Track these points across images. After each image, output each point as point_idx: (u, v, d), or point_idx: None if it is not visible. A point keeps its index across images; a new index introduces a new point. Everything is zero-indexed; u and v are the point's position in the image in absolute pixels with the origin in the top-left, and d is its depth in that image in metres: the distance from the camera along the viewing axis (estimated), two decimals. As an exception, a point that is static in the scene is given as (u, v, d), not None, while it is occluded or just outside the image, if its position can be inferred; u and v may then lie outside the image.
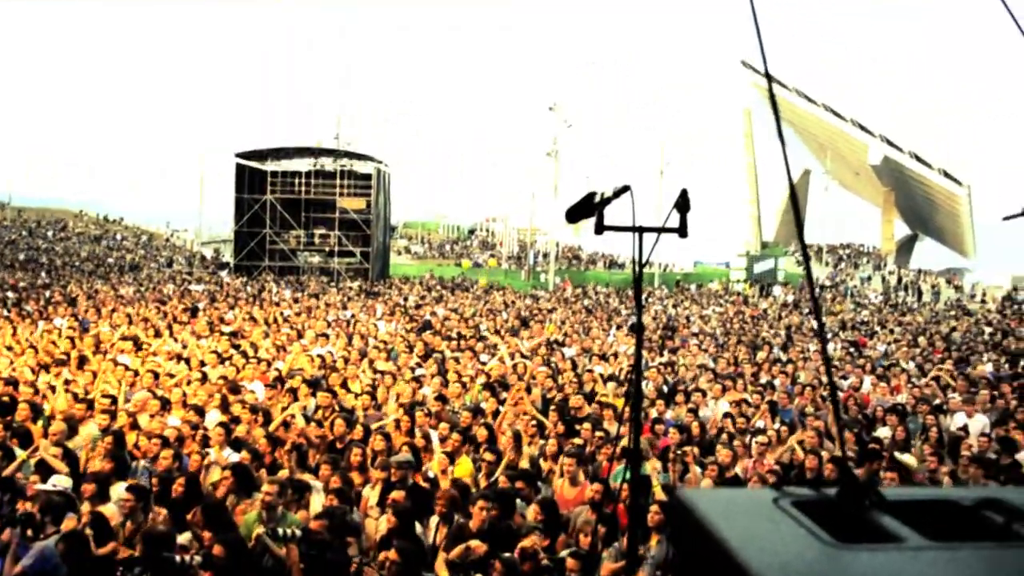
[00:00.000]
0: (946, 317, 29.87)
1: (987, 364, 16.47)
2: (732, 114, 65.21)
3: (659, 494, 6.63)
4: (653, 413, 9.87)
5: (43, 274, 32.87)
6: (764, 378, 13.39)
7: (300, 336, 15.55)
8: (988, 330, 24.82)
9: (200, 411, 8.83)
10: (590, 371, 12.82)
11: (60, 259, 39.90)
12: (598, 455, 8.00)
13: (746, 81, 59.04)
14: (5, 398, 8.89)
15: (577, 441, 8.16)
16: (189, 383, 10.33)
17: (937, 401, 11.32)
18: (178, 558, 5.19)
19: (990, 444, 9.02)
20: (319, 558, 5.31)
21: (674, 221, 2.94)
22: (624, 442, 6.15)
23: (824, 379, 12.24)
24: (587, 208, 3.00)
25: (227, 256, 44.11)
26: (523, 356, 13.84)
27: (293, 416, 8.81)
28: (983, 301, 39.21)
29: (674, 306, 31.16)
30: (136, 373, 10.51)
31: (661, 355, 16.29)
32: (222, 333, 15.42)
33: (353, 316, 20.99)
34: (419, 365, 12.92)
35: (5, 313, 17.56)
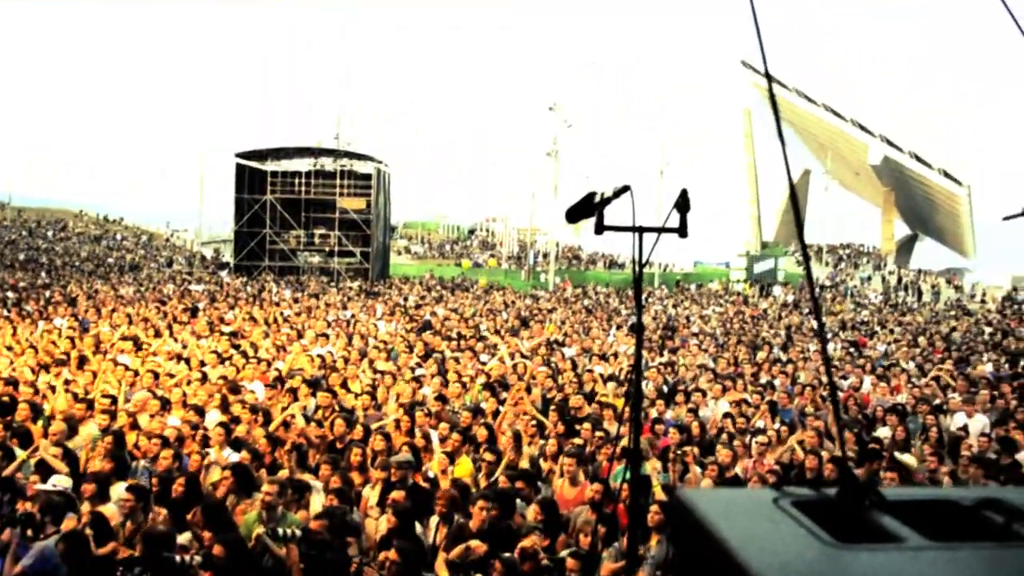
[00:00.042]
0: (946, 317, 29.88)
1: (987, 364, 16.47)
2: (732, 114, 65.27)
3: (659, 494, 6.63)
4: (653, 413, 9.87)
5: (43, 274, 32.88)
6: (764, 378, 13.39)
7: (300, 336, 15.56)
8: (988, 330, 24.82)
9: (200, 411, 8.83)
10: (590, 371, 12.82)
11: (60, 259, 39.90)
12: (598, 455, 8.00)
13: (746, 81, 59.06)
14: (5, 398, 8.89)
15: (577, 441, 8.16)
16: (189, 383, 10.33)
17: (937, 401, 11.32)
18: (178, 558, 5.19)
19: (990, 444, 9.03)
20: (319, 558, 5.31)
21: (674, 221, 2.94)
22: (624, 442, 6.15)
23: (824, 379, 12.25)
24: (587, 208, 3.00)
25: (227, 256, 44.12)
26: (523, 356, 13.84)
27: (293, 416, 8.81)
28: (983, 301, 39.22)
29: (674, 306, 31.16)
30: (136, 373, 10.51)
31: (661, 355, 16.29)
32: (222, 333, 15.42)
33: (353, 316, 20.99)
34: (419, 365, 12.92)
35: (5, 313, 17.56)
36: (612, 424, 9.00)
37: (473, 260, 52.63)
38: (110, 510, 6.04)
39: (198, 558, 5.23)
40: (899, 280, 46.94)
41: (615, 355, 15.32)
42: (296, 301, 24.47)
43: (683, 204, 2.92)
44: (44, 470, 6.79)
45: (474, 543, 5.58)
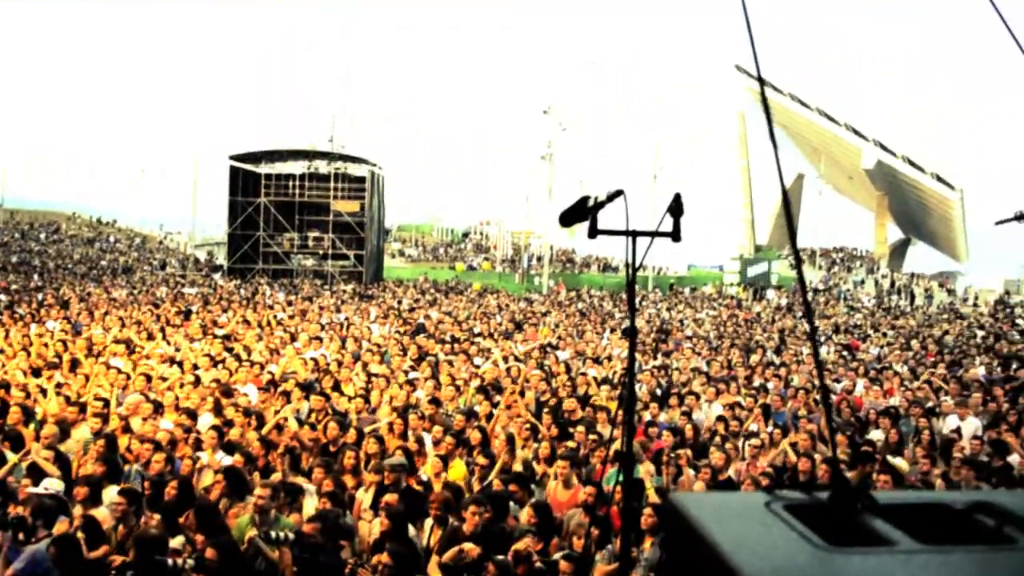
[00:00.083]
0: (939, 321, 29.97)
1: (979, 367, 16.52)
2: (726, 117, 65.37)
3: (652, 497, 6.63)
4: (647, 416, 9.88)
5: (36, 277, 32.74)
6: (757, 381, 13.42)
7: (294, 339, 15.54)
8: (980, 333, 24.91)
9: (193, 414, 8.81)
10: (584, 374, 12.83)
11: (53, 262, 39.75)
12: (591, 458, 8.00)
13: (740, 85, 59.17)
14: (-3, 401, 8.86)
15: (571, 444, 8.16)
16: (182, 386, 10.30)
17: (930, 404, 11.35)
18: (170, 562, 5.18)
19: (982, 447, 9.06)
20: (312, 561, 5.30)
21: (667, 225, 2.95)
22: (617, 445, 6.15)
23: (817, 382, 12.26)
24: (581, 212, 3.01)
25: (220, 259, 43.97)
26: (517, 359, 13.84)
27: (286, 419, 8.79)
28: (975, 305, 39.34)
29: (668, 309, 31.20)
30: (129, 376, 10.47)
31: (655, 358, 16.30)
32: (215, 336, 15.38)
33: (347, 319, 20.97)
34: (413, 368, 12.91)
35: (-3, 316, 17.48)
36: (606, 427, 9.00)
37: (467, 263, 52.58)
38: (102, 514, 6.02)
39: (191, 562, 5.21)
40: (892, 284, 47.08)
41: (609, 358, 15.33)
42: (290, 304, 24.42)
43: (676, 208, 2.93)
44: (36, 473, 6.76)
45: (467, 546, 5.57)
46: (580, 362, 15.03)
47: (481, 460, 7.59)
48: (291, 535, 5.50)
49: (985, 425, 10.24)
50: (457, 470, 7.63)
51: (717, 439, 8.72)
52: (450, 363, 13.43)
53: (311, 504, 6.62)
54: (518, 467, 7.75)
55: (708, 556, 0.96)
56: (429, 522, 6.26)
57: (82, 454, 7.67)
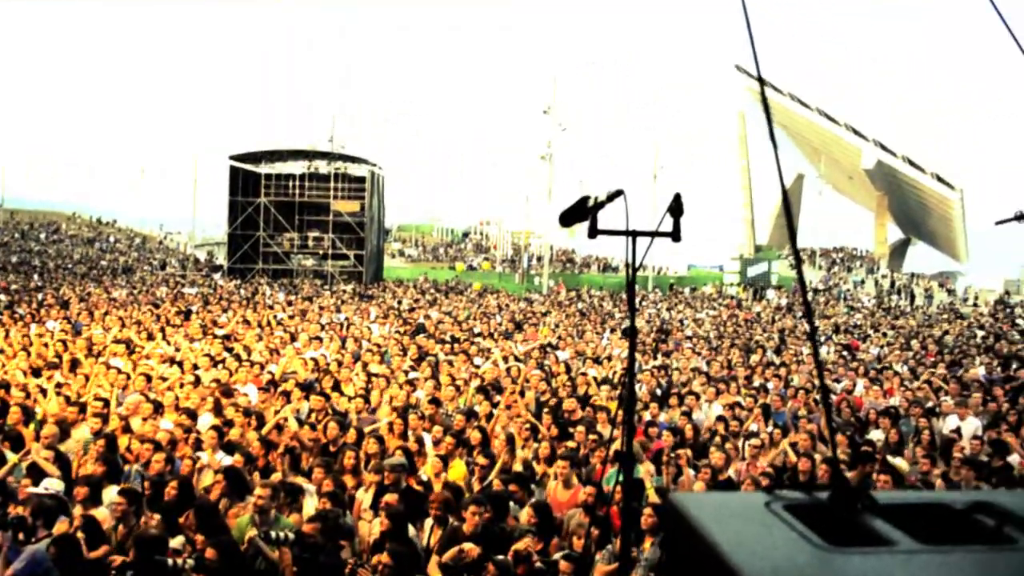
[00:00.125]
0: (939, 320, 29.98)
1: (979, 367, 16.52)
2: (727, 117, 65.36)
3: (652, 497, 6.63)
4: (647, 416, 9.88)
5: (36, 277, 32.73)
6: (757, 381, 13.42)
7: (294, 339, 15.54)
8: (980, 333, 24.90)
9: (193, 414, 8.81)
10: (584, 374, 12.83)
11: (53, 262, 39.75)
12: (591, 458, 8.00)
13: (740, 85, 59.15)
14: (-3, 401, 8.86)
15: (571, 444, 8.16)
16: (182, 386, 10.30)
17: (930, 404, 11.35)
18: (170, 562, 5.18)
19: (982, 447, 9.06)
20: (312, 561, 5.30)
21: (667, 225, 2.95)
22: (617, 445, 6.15)
23: (817, 382, 12.26)
24: (581, 212, 3.01)
25: (220, 259, 43.97)
26: (517, 359, 13.84)
27: (286, 419, 8.79)
28: (975, 305, 39.33)
29: (668, 309, 31.20)
30: (129, 376, 10.47)
31: (655, 358, 16.31)
32: (215, 336, 15.38)
33: (347, 319, 20.97)
34: (413, 368, 12.91)
35: (-3, 316, 17.49)
36: (606, 427, 9.00)
37: (467, 263, 52.59)
38: (102, 514, 6.02)
39: (191, 562, 5.21)
40: (892, 284, 47.08)
41: (609, 358, 15.33)
42: (290, 304, 24.43)
43: (676, 208, 2.93)
44: (36, 473, 6.76)
45: (467, 546, 5.57)
46: (580, 362, 15.03)
47: (481, 460, 7.59)
48: (291, 535, 5.50)
49: (985, 425, 10.24)
50: (457, 470, 7.63)
51: (717, 439, 8.72)
52: (450, 363, 13.43)
53: (311, 504, 6.62)
54: (518, 467, 7.75)
55: (708, 556, 0.96)
56: (429, 522, 6.26)
57: (82, 454, 7.67)
